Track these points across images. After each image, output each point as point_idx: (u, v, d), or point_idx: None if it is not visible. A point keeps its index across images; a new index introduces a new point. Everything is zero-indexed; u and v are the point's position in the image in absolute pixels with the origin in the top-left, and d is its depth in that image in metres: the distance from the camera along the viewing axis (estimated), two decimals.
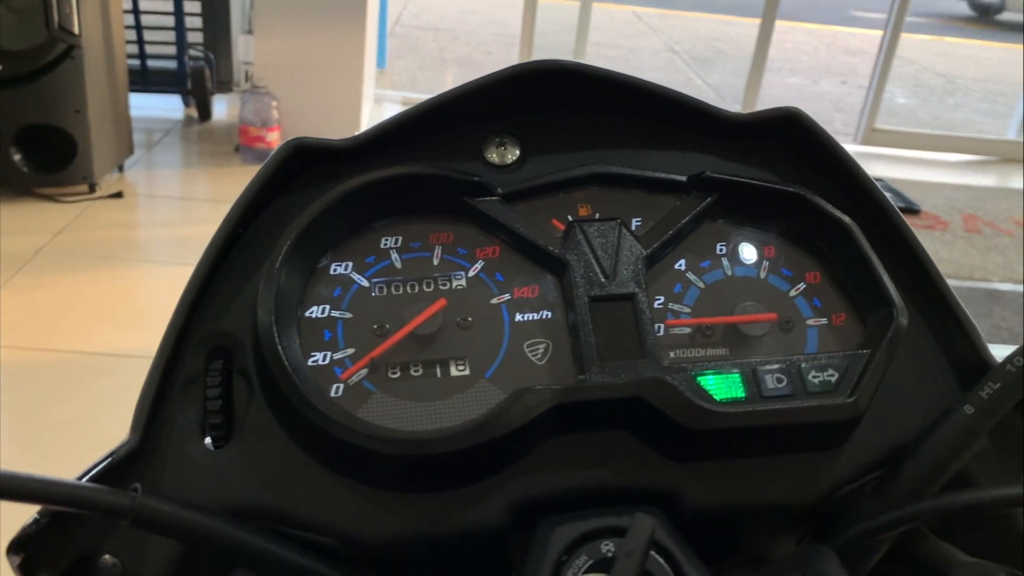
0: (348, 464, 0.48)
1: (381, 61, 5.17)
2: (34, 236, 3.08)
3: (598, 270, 0.53)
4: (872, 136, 5.04)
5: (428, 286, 0.53)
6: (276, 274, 0.49)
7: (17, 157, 3.25)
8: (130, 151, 3.72)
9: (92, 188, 3.41)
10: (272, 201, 0.55)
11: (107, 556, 0.47)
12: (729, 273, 0.55)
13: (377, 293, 0.53)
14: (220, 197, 3.66)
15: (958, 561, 0.50)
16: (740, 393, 0.49)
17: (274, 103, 3.90)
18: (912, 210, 4.22)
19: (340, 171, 0.55)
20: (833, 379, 0.50)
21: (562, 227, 0.55)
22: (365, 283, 0.53)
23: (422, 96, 5.05)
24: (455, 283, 0.54)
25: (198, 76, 4.19)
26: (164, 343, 0.49)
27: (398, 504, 0.48)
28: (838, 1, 9.89)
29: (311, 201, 0.53)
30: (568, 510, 0.47)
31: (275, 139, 3.93)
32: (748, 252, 0.56)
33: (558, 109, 0.59)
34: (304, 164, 0.56)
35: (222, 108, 4.50)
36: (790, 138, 0.58)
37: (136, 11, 4.06)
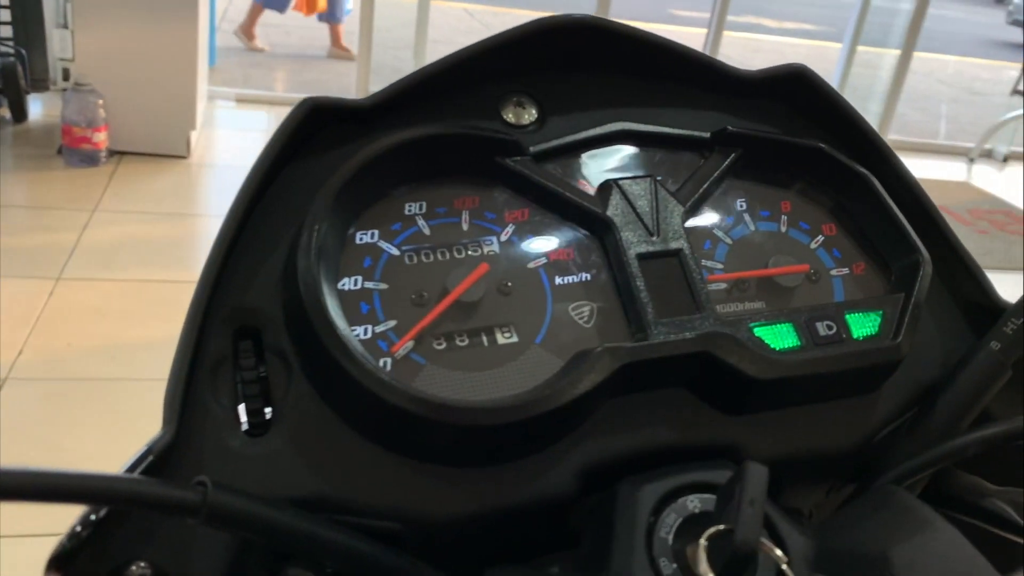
0: (409, 441, 0.44)
1: (212, 58, 4.92)
2: None
3: (642, 227, 0.52)
4: None
5: (459, 252, 0.50)
6: (315, 241, 0.45)
7: None
8: None
9: None
10: (285, 167, 0.50)
11: (134, 566, 0.41)
12: (752, 228, 0.56)
13: (409, 262, 0.49)
14: (44, 203, 3.36)
15: (991, 490, 0.52)
16: (795, 342, 0.50)
17: (100, 102, 3.63)
18: None
19: (356, 133, 0.51)
20: (876, 323, 0.51)
21: (591, 188, 0.54)
22: (395, 251, 0.49)
23: (257, 93, 4.83)
24: (487, 249, 0.51)
25: (9, 74, 3.83)
26: (189, 324, 0.44)
27: (464, 479, 0.45)
28: (657, 1, 10.37)
29: (330, 164, 0.49)
30: (636, 471, 0.46)
31: (102, 140, 3.66)
32: (767, 207, 0.57)
33: (573, 69, 0.57)
34: (316, 126, 0.51)
35: (38, 108, 4.14)
36: (796, 95, 0.59)
37: None
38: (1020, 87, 5.56)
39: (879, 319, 0.51)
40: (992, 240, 4.37)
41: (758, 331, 0.49)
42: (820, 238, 0.56)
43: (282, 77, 5.94)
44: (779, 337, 0.50)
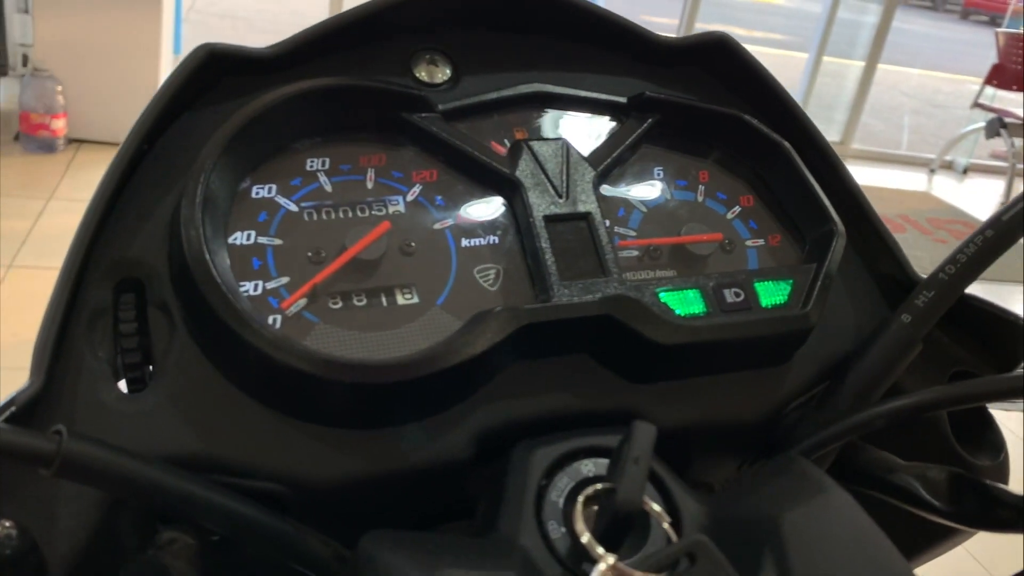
0: (295, 400, 0.43)
1: (176, 47, 4.86)
2: None
3: (551, 189, 0.51)
4: None
5: (363, 211, 0.49)
6: (201, 191, 0.43)
7: None
8: None
9: None
10: (180, 116, 0.48)
11: (4, 527, 0.39)
12: (668, 197, 0.55)
13: (308, 218, 0.48)
14: None
15: (899, 465, 0.52)
16: (701, 308, 0.49)
17: (59, 88, 3.57)
18: None
19: (256, 84, 0.49)
20: (786, 292, 0.50)
21: (502, 149, 0.52)
22: (294, 207, 0.48)
23: None
24: (392, 208, 0.49)
25: None
26: (65, 272, 0.42)
27: (353, 442, 0.43)
28: (627, 8, 10.44)
29: (227, 115, 0.47)
30: (533, 437, 0.44)
31: (60, 127, 3.60)
32: (684, 177, 0.56)
33: (490, 28, 0.56)
34: (215, 76, 0.49)
35: None
36: (717, 64, 0.58)
37: None
38: (980, 100, 5.63)
39: (789, 288, 0.51)
40: (949, 249, 4.42)
41: (663, 296, 0.48)
42: (737, 209, 0.55)
43: None
44: (685, 303, 0.49)
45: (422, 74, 0.54)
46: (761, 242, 0.54)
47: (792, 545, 0.38)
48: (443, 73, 0.54)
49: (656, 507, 0.39)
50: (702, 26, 5.29)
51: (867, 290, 0.57)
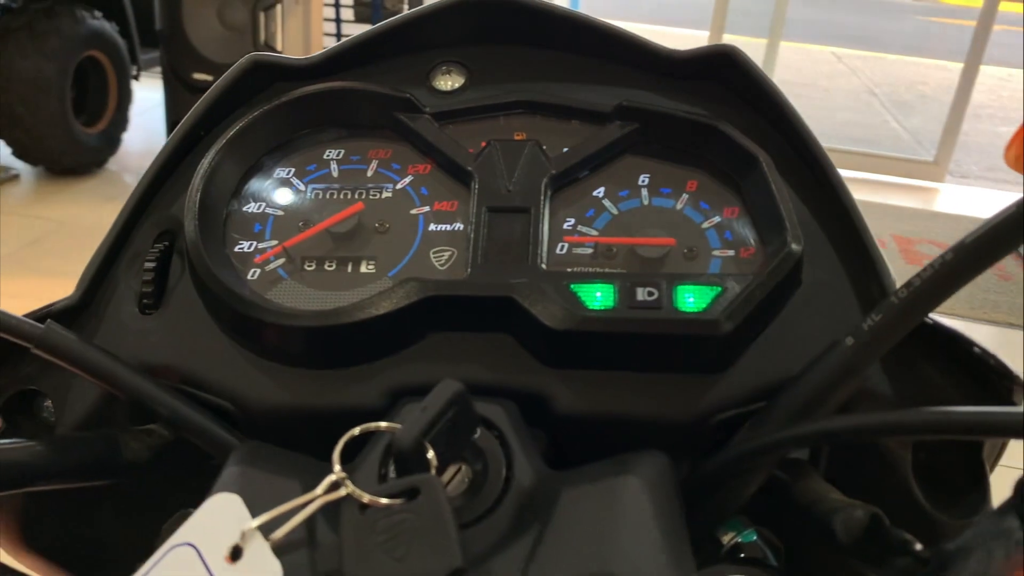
0: (245, 335, 0.53)
1: None
2: None
3: (501, 184, 0.56)
4: None
5: (359, 195, 0.58)
6: (208, 167, 0.56)
7: None
8: None
9: None
10: (233, 111, 0.62)
11: (48, 403, 0.54)
12: (645, 203, 0.56)
13: (311, 196, 0.58)
14: None
15: (825, 499, 0.48)
16: (610, 303, 0.50)
17: None
18: None
19: (294, 88, 0.61)
20: (708, 299, 0.50)
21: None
22: (302, 187, 0.58)
23: None
24: (384, 194, 0.58)
25: None
26: (117, 220, 0.57)
27: (286, 376, 0.52)
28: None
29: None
30: None
31: None
32: (669, 184, 0.57)
33: (504, 42, 0.62)
34: (267, 81, 0.62)
35: None
36: (727, 77, 0.58)
37: (339, 35, 4.42)
38: None
39: (713, 295, 0.50)
40: None
41: (575, 287, 0.51)
42: (716, 219, 0.55)
43: None
44: (596, 296, 0.50)
45: (439, 83, 0.62)
46: (730, 253, 0.54)
47: (557, 518, 0.40)
48: (457, 82, 0.62)
49: (431, 453, 0.42)
50: None
51: (848, 310, 0.52)
